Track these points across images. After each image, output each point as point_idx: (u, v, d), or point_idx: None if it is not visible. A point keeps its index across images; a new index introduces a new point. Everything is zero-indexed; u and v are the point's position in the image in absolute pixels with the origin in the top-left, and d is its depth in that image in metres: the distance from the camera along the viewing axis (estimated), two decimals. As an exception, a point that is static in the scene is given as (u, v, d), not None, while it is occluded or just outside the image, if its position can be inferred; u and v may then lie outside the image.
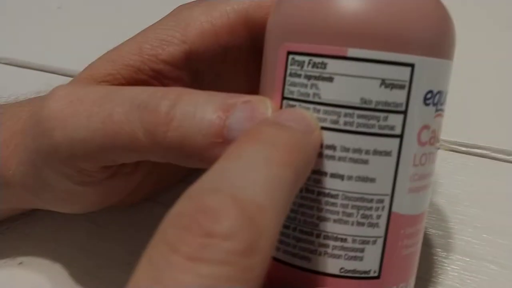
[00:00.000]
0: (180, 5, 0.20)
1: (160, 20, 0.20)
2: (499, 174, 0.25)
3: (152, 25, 0.20)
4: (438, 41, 0.16)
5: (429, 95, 0.16)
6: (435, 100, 0.16)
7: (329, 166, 0.16)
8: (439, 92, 0.16)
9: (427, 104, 0.16)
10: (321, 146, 0.16)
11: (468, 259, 0.22)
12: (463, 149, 0.26)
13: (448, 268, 0.22)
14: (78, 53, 0.37)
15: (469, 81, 0.28)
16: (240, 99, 0.16)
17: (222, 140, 0.16)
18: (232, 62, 0.20)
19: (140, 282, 0.11)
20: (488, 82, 0.29)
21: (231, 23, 0.19)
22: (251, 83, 0.20)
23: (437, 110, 0.16)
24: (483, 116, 0.27)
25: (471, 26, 0.31)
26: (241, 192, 0.12)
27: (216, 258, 0.11)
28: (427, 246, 0.22)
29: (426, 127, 0.16)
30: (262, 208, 0.12)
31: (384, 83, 0.15)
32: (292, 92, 0.16)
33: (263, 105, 0.16)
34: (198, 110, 0.16)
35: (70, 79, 0.21)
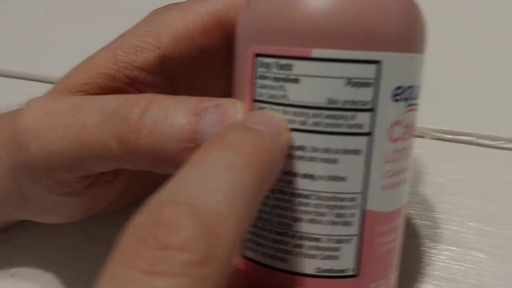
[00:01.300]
0: (154, 10, 0.20)
1: (133, 26, 0.20)
2: (485, 160, 0.25)
3: (126, 31, 0.20)
4: (404, 36, 0.16)
5: (398, 91, 0.16)
6: (406, 95, 0.16)
7: (301, 166, 0.16)
8: (410, 87, 0.16)
9: (396, 100, 0.16)
10: (292, 147, 0.16)
11: (455, 248, 0.22)
12: (448, 136, 0.25)
13: (435, 258, 0.22)
14: (64, 61, 0.37)
15: (451, 69, 0.28)
16: (211, 103, 0.16)
17: (194, 145, 0.16)
18: (208, 65, 0.20)
19: None
20: (471, 69, 0.28)
21: (205, 26, 0.19)
22: (227, 85, 0.20)
23: (408, 105, 0.16)
24: (467, 103, 0.27)
25: (451, 13, 0.30)
26: (199, 202, 0.12)
27: (172, 270, 0.11)
28: (414, 237, 0.22)
29: (397, 123, 0.16)
30: (221, 216, 0.12)
31: (349, 82, 0.15)
32: (261, 95, 0.16)
33: (234, 108, 0.16)
34: (169, 115, 0.16)
35: (49, 86, 0.21)
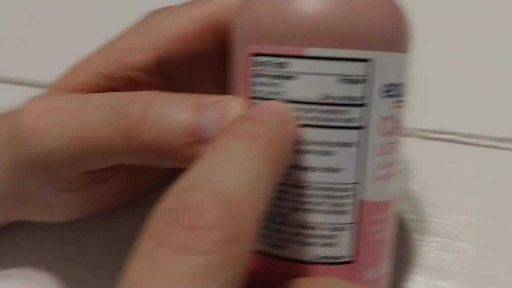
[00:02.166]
0: (149, 12, 0.21)
1: (129, 27, 0.21)
2: (468, 157, 0.26)
3: (122, 33, 0.21)
4: (392, 36, 0.17)
5: (387, 88, 0.17)
6: (394, 92, 0.17)
7: (298, 159, 0.16)
8: (397, 84, 0.17)
9: (385, 97, 0.17)
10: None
11: (442, 240, 0.23)
12: (432, 135, 0.27)
13: (424, 250, 0.23)
14: (54, 64, 0.37)
15: (435, 69, 0.29)
16: (210, 99, 0.17)
17: (195, 139, 0.17)
18: (203, 66, 0.21)
19: (133, 278, 0.12)
20: (453, 69, 0.30)
21: (198, 28, 0.20)
22: (222, 85, 0.21)
23: (397, 102, 0.17)
24: (450, 103, 0.28)
25: (434, 14, 0.32)
26: (221, 187, 0.13)
27: (202, 248, 0.12)
28: (403, 230, 0.23)
29: (386, 118, 0.17)
30: (242, 201, 0.13)
31: (342, 78, 0.16)
32: (258, 92, 0.17)
33: (234, 103, 0.17)
34: (171, 111, 0.17)
35: (40, 90, 0.21)
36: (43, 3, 0.46)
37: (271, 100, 0.16)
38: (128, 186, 0.23)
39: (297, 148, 0.16)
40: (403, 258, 0.22)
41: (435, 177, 0.25)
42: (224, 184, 0.13)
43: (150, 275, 0.12)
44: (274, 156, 0.15)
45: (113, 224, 0.26)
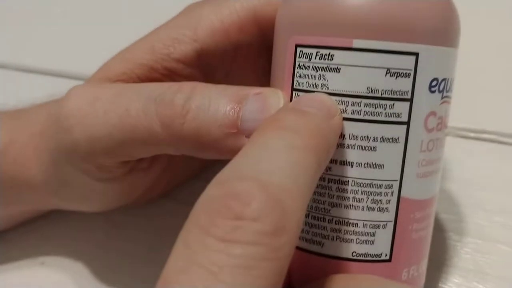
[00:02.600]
0: (190, 4, 0.21)
1: (171, 19, 0.21)
2: (508, 158, 0.25)
3: (164, 24, 0.21)
4: (441, 30, 0.16)
5: (434, 83, 0.16)
6: (441, 88, 0.17)
7: (339, 153, 0.16)
8: (444, 80, 0.17)
9: (432, 92, 0.16)
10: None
11: (480, 241, 0.22)
12: (472, 135, 0.26)
13: (461, 251, 0.22)
14: (83, 56, 0.38)
15: (475, 67, 0.28)
16: (252, 91, 0.17)
17: (235, 131, 0.17)
18: (242, 58, 0.21)
19: (177, 263, 0.12)
20: (493, 68, 0.29)
21: (240, 21, 0.19)
22: (260, 79, 0.21)
23: (443, 97, 0.17)
24: (490, 102, 0.27)
25: (477, 13, 0.31)
26: (267, 177, 0.13)
27: (247, 239, 0.12)
28: (440, 230, 0.23)
29: (432, 113, 0.16)
30: (287, 191, 0.13)
31: (389, 72, 0.16)
32: (301, 84, 0.17)
33: (275, 96, 0.17)
34: (212, 102, 0.17)
35: (76, 81, 0.22)
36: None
37: (316, 92, 0.16)
38: (161, 178, 0.24)
39: (339, 142, 0.16)
40: (440, 259, 0.22)
41: (474, 177, 0.24)
42: (268, 174, 0.13)
43: (192, 263, 0.12)
44: (318, 148, 0.14)
45: (144, 214, 0.26)
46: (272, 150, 0.14)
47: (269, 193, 0.12)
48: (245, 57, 0.21)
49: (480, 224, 0.23)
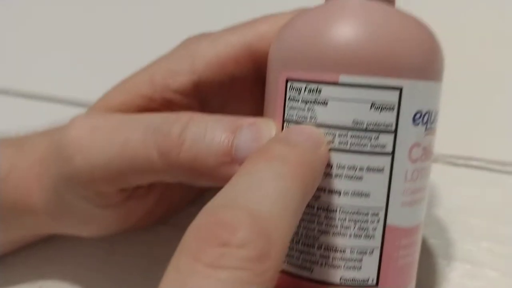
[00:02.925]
0: (188, 38, 0.22)
1: (169, 52, 0.22)
2: (496, 184, 0.26)
3: (162, 56, 0.22)
4: (424, 65, 0.17)
5: (418, 115, 0.17)
6: (425, 120, 0.17)
7: (327, 183, 0.17)
8: (428, 112, 0.18)
9: (416, 124, 0.17)
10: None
11: (469, 266, 0.23)
12: (460, 161, 0.27)
13: (449, 276, 0.23)
14: (83, 83, 0.39)
15: (462, 96, 0.29)
16: (245, 121, 0.18)
17: (230, 159, 0.17)
18: (238, 90, 0.22)
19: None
20: (480, 97, 0.30)
21: (236, 55, 0.20)
22: (255, 109, 0.22)
23: (427, 129, 0.18)
24: (478, 130, 0.28)
25: (462, 44, 0.32)
26: (253, 206, 0.14)
27: (233, 264, 0.13)
28: (429, 255, 0.23)
29: (416, 144, 0.17)
30: (273, 219, 0.14)
31: (374, 105, 0.16)
32: (291, 115, 0.17)
33: (267, 126, 0.18)
34: (208, 132, 0.18)
35: (76, 108, 0.22)
36: (86, 27, 0.47)
37: (303, 124, 0.17)
38: (159, 205, 0.24)
39: (327, 171, 0.17)
40: (429, 283, 0.22)
41: (462, 203, 0.25)
42: (255, 202, 0.14)
43: (182, 285, 0.12)
44: (304, 177, 0.15)
45: (142, 240, 0.26)
46: (259, 179, 0.15)
47: (255, 221, 0.13)
48: (240, 88, 0.22)
49: (468, 249, 0.23)
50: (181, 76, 0.20)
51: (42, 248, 0.27)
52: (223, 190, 0.15)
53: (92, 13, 0.51)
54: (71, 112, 0.22)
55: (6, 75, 0.44)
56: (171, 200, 0.25)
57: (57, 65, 0.44)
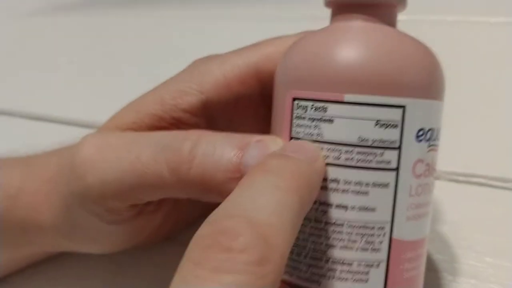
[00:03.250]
0: (196, 60, 0.23)
1: (178, 73, 0.22)
2: (497, 200, 0.26)
3: (172, 77, 0.22)
4: (426, 84, 0.18)
5: (421, 133, 0.18)
6: (427, 137, 0.18)
7: (334, 198, 0.17)
8: (431, 129, 0.18)
9: (419, 141, 0.18)
10: (326, 179, 0.17)
11: (473, 281, 0.23)
12: (462, 178, 0.27)
13: (455, 291, 0.23)
14: (90, 104, 0.40)
15: (463, 115, 0.30)
16: (253, 138, 0.19)
17: (238, 175, 0.18)
18: (244, 109, 0.22)
19: None
20: (480, 115, 0.30)
21: (242, 75, 0.21)
22: (260, 127, 0.22)
23: (429, 146, 0.18)
24: (479, 147, 0.29)
25: (465, 57, 0.33)
26: (252, 215, 0.14)
27: (236, 268, 0.13)
28: (434, 270, 0.24)
29: (420, 160, 0.18)
30: (271, 227, 0.14)
31: (378, 123, 0.17)
32: (298, 133, 0.18)
33: (274, 143, 0.18)
34: (217, 149, 0.18)
35: (83, 129, 0.23)
36: (98, 49, 0.49)
37: (300, 140, 0.18)
38: (167, 221, 0.25)
39: (334, 187, 0.17)
40: (433, 298, 0.23)
41: (465, 219, 0.25)
42: (255, 211, 0.15)
43: None
44: (300, 188, 0.16)
45: (149, 256, 0.27)
46: (257, 190, 0.15)
47: (254, 228, 0.14)
48: (246, 107, 0.22)
49: (472, 264, 0.24)
50: (190, 96, 0.21)
51: (48, 268, 0.28)
52: (224, 202, 0.15)
53: (101, 38, 0.52)
54: (80, 133, 0.22)
55: (13, 97, 0.45)
56: (178, 217, 0.26)
57: (61, 87, 0.45)
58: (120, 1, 0.61)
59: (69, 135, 0.25)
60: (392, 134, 0.17)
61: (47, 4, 0.64)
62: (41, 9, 0.64)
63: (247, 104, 0.22)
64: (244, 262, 0.13)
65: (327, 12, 0.21)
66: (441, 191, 0.26)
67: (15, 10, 0.65)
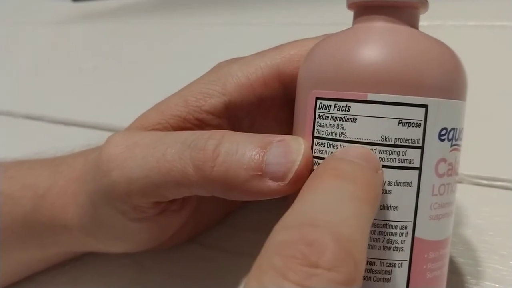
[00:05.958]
0: (220, 62, 0.23)
1: (202, 75, 0.23)
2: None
3: (195, 80, 0.23)
4: (448, 84, 0.18)
5: (443, 132, 0.18)
6: (450, 136, 0.18)
7: (357, 197, 0.17)
8: (453, 129, 0.18)
9: (442, 140, 0.18)
10: None
11: (497, 285, 0.23)
12: (485, 182, 0.27)
13: (479, 295, 0.23)
14: (115, 109, 0.41)
15: (486, 119, 0.30)
16: (275, 138, 0.19)
17: (260, 173, 0.18)
18: (266, 110, 0.23)
19: None
20: (503, 119, 0.30)
21: (264, 77, 0.22)
22: (282, 128, 0.23)
23: (452, 145, 0.18)
24: (502, 151, 0.29)
25: (489, 60, 0.33)
26: (336, 228, 0.14)
27: (322, 286, 0.13)
28: (457, 274, 0.24)
29: (442, 160, 0.18)
30: (356, 243, 0.14)
31: (401, 122, 0.17)
32: (321, 132, 0.18)
33: (296, 142, 0.19)
34: (240, 147, 0.19)
35: (107, 133, 0.24)
36: (124, 55, 0.50)
37: (355, 145, 0.17)
38: (189, 222, 0.25)
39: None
40: (456, 302, 0.22)
41: (489, 223, 0.25)
42: (339, 225, 0.14)
43: None
44: (374, 200, 0.16)
45: (170, 258, 0.27)
46: (334, 198, 0.15)
47: (341, 243, 0.14)
48: (269, 109, 0.23)
49: (496, 268, 0.24)
50: (213, 98, 0.22)
51: (70, 268, 0.28)
52: (297, 206, 0.15)
53: (126, 44, 0.53)
54: (102, 136, 0.23)
55: (40, 102, 0.46)
56: (200, 219, 0.26)
57: (91, 93, 0.46)
58: (144, 9, 0.63)
59: (96, 139, 0.25)
60: (415, 133, 0.17)
61: (76, 13, 0.66)
62: (70, 18, 0.66)
63: (269, 106, 0.22)
64: (331, 280, 0.13)
65: (345, 18, 0.21)
66: (464, 194, 0.26)
67: (45, 18, 0.67)
